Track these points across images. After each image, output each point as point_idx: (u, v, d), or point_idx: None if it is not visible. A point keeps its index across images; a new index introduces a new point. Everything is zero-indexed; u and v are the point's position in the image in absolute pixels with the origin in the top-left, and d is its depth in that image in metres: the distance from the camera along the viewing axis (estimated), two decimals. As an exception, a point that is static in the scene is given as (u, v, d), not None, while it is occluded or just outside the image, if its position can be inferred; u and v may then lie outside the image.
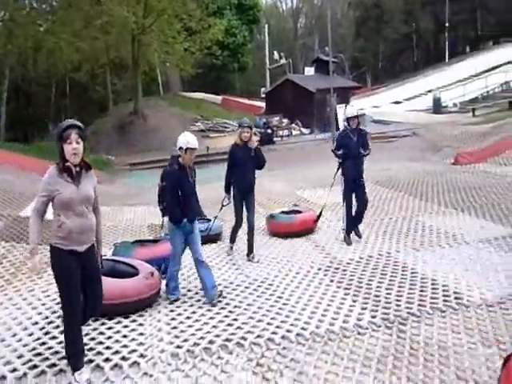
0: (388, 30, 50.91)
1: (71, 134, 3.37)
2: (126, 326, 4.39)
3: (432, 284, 5.18)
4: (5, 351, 3.99)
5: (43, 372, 3.70)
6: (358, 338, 4.10)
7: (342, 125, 23.62)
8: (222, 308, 4.81)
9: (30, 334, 4.35)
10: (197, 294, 5.25)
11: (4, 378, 3.60)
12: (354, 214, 6.97)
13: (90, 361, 3.78)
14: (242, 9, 37.72)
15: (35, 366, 3.77)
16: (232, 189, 6.40)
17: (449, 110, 28.57)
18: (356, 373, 3.55)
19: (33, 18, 24.59)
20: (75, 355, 3.62)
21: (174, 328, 4.42)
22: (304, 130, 25.38)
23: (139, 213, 10.12)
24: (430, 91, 33.04)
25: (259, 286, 5.42)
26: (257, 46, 46.96)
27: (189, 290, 5.34)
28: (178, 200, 4.90)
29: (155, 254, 5.85)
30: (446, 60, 46.91)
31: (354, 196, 6.94)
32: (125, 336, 4.20)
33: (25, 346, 4.12)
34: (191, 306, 4.96)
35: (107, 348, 4.02)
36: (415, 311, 4.53)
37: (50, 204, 3.45)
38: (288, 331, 4.23)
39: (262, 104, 31.41)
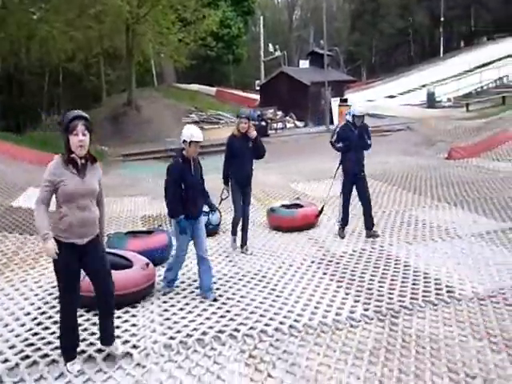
0: (384, 25, 50.89)
1: (78, 125, 3.29)
2: (118, 317, 4.37)
3: (424, 277, 5.21)
4: (-4, 341, 3.98)
5: (35, 362, 3.69)
6: (350, 330, 4.13)
7: (336, 118, 23.67)
8: (215, 300, 4.81)
9: (22, 325, 4.34)
10: (190, 285, 5.25)
11: (-4, 368, 3.59)
12: (362, 214, 6.87)
13: (83, 351, 3.78)
14: (236, 0, 37.47)
15: (27, 357, 3.76)
16: (229, 180, 6.28)
17: (443, 105, 28.62)
18: (348, 365, 3.58)
19: (26, 6, 24.28)
20: (68, 346, 3.62)
21: (167, 319, 4.42)
22: (298, 123, 25.33)
23: (133, 204, 10.09)
24: (424, 86, 33.11)
25: (252, 278, 5.43)
26: (252, 38, 46.72)
27: (182, 282, 5.34)
28: (179, 194, 4.78)
29: (148, 245, 5.83)
30: (441, 55, 47.07)
31: (354, 189, 6.87)
32: (117, 327, 4.18)
33: (17, 336, 4.11)
34: (184, 297, 4.96)
35: (100, 338, 4.01)
36: (407, 304, 4.56)
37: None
38: (281, 323, 4.24)
39: (257, 96, 31.32)
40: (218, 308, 4.63)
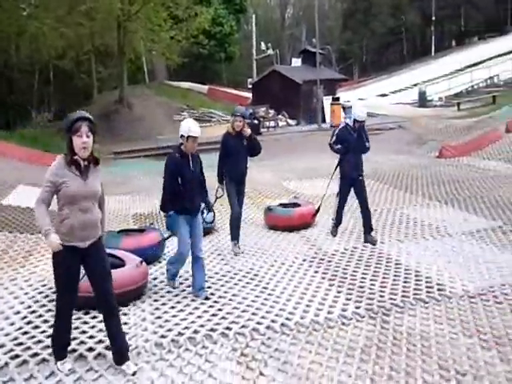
0: (376, 23, 51.03)
1: (81, 126, 3.22)
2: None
3: (415, 275, 5.24)
4: (-14, 340, 3.94)
5: (25, 361, 3.66)
6: (342, 328, 4.14)
7: (328, 118, 23.71)
8: (207, 298, 4.80)
9: (12, 324, 4.30)
10: (181, 284, 5.23)
11: (-15, 367, 3.56)
12: (361, 219, 6.75)
13: (74, 350, 3.76)
14: (229, -2, 37.38)
15: (17, 356, 3.73)
16: (224, 178, 6.20)
17: (434, 104, 28.77)
18: (340, 363, 3.59)
19: (16, 2, 24.03)
20: (60, 345, 3.59)
21: (159, 318, 4.40)
22: (290, 122, 25.34)
23: (124, 202, 10.04)
24: (415, 85, 33.24)
25: (244, 277, 5.43)
26: (244, 36, 46.60)
27: (173, 280, 5.32)
28: (174, 189, 4.73)
29: (141, 243, 5.80)
30: (432, 54, 47.31)
31: (352, 190, 6.79)
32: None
33: (6, 335, 4.07)
34: (176, 295, 4.94)
35: (91, 337, 4.00)
36: (399, 302, 4.58)
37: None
38: (273, 321, 4.25)
39: (249, 94, 31.26)
40: (210, 306, 4.62)
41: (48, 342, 3.77)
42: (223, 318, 4.36)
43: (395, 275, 5.27)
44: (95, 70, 30.07)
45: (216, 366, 3.59)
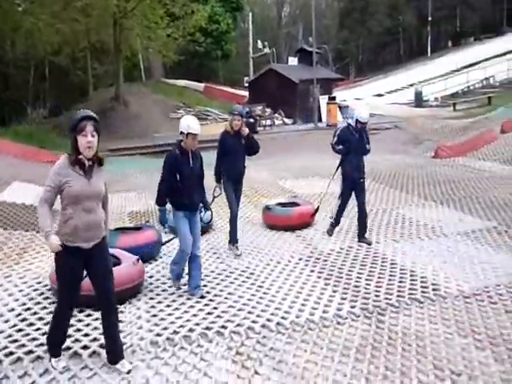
0: (372, 23, 51.12)
1: (86, 125, 3.19)
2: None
3: (411, 275, 5.25)
4: (-20, 338, 3.92)
5: (19, 359, 3.65)
6: (337, 327, 4.14)
7: (324, 117, 23.72)
8: (203, 297, 4.79)
9: (6, 321, 4.28)
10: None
11: (-21, 364, 3.54)
12: (357, 221, 6.73)
13: (68, 348, 3.74)
14: (225, -4, 37.31)
15: (11, 353, 3.72)
16: (221, 178, 6.15)
17: (430, 104, 28.87)
18: (335, 362, 3.59)
19: (11, -2, 23.89)
20: (56, 343, 3.58)
21: (154, 316, 4.40)
22: (287, 120, 25.33)
23: (120, 199, 10.01)
24: (412, 85, 33.35)
25: (240, 275, 5.42)
26: (240, 34, 46.54)
27: (169, 279, 5.30)
28: (172, 185, 4.71)
29: (137, 241, 5.78)
30: (429, 54, 47.44)
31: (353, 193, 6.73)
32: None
33: (0, 332, 4.05)
34: (171, 294, 4.94)
35: (85, 335, 3.99)
36: (394, 302, 4.59)
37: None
38: (268, 320, 4.25)
39: (245, 93, 31.23)
40: (205, 305, 4.61)
41: (42, 339, 3.76)
42: (218, 316, 4.35)
43: (390, 275, 5.28)
44: (91, 67, 29.95)
45: (211, 365, 3.59)
